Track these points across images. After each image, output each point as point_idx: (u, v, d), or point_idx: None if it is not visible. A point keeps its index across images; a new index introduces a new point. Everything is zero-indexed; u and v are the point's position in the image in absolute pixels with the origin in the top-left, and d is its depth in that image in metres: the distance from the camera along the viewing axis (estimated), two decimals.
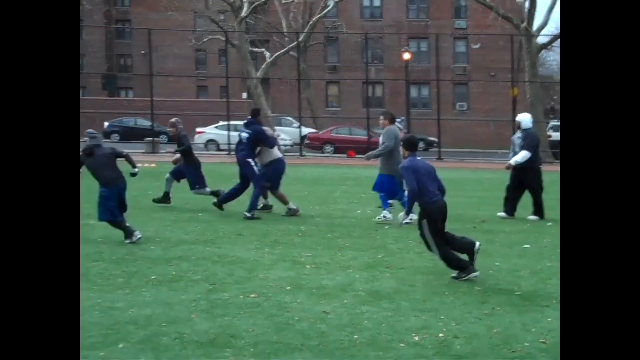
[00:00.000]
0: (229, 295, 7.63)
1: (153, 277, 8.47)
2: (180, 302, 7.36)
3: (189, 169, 14.50)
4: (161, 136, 41.01)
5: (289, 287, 8.00)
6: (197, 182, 14.38)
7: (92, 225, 11.39)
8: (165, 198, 14.60)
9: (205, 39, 48.98)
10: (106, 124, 48.67)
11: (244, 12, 36.05)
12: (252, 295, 7.62)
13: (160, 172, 23.63)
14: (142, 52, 64.61)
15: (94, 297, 7.51)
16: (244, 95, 54.93)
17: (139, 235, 10.52)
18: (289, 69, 45.24)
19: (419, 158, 8.93)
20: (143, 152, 34.73)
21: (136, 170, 11.44)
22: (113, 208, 10.58)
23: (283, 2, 42.60)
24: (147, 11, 63.69)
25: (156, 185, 18.78)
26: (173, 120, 14.80)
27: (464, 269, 8.44)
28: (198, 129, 38.79)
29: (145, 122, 45.69)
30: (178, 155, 14.89)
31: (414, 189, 8.47)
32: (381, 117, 13.20)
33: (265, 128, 13.84)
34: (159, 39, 53.49)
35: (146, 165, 25.85)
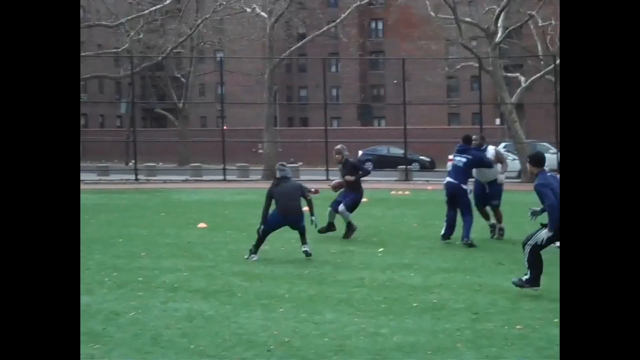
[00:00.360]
0: (494, 326, 7.45)
1: (415, 304, 8.50)
2: (443, 331, 7.30)
3: (349, 196, 14.18)
4: (413, 164, 41.44)
5: (556, 320, 7.66)
6: (349, 208, 14.04)
7: (349, 252, 11.67)
8: (330, 227, 14.16)
9: (458, 66, 48.97)
10: (360, 152, 50.10)
11: (498, 38, 35.61)
12: (517, 327, 7.39)
13: (413, 200, 23.88)
14: (395, 81, 65.98)
15: (358, 322, 7.66)
16: (497, 121, 54.11)
17: (254, 258, 11.31)
18: (545, 93, 43.92)
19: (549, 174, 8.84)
20: (396, 180, 35.24)
21: (313, 218, 11.64)
22: (266, 228, 11.45)
23: (539, 24, 41.52)
24: (401, 41, 64.97)
25: (412, 212, 18.98)
26: (339, 147, 14.41)
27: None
28: (450, 157, 38.68)
29: (397, 150, 46.48)
30: (340, 180, 14.55)
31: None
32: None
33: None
34: (412, 67, 54.27)
35: (400, 193, 26.21)
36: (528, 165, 9.14)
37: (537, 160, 8.88)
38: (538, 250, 8.60)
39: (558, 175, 9.08)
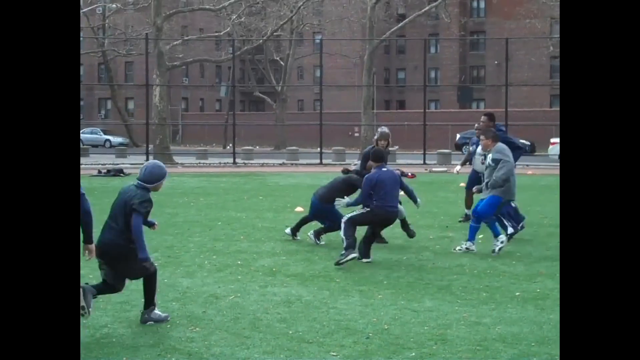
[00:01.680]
0: None
1: (517, 293, 8.25)
2: (548, 322, 7.05)
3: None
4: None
5: None
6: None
7: (450, 238, 11.46)
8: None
9: None
10: (458, 135, 49.39)
11: None
12: None
13: None
14: (496, 62, 64.63)
15: (459, 310, 7.49)
16: None
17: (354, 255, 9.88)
18: None
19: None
20: None
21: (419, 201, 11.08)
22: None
23: None
24: (503, 20, 63.52)
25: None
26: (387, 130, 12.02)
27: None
28: (552, 140, 37.66)
29: None
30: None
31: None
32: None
33: None
34: (514, 47, 53.10)
35: None
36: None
37: (377, 157, 10.16)
38: (352, 224, 9.88)
39: (398, 171, 10.63)
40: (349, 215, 10.08)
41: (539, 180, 24.49)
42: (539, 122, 45.55)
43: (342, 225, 9.94)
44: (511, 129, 39.26)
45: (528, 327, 6.87)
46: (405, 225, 11.33)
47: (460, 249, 10.76)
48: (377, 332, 6.71)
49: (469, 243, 10.79)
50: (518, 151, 12.63)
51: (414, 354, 6.07)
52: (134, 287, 7.70)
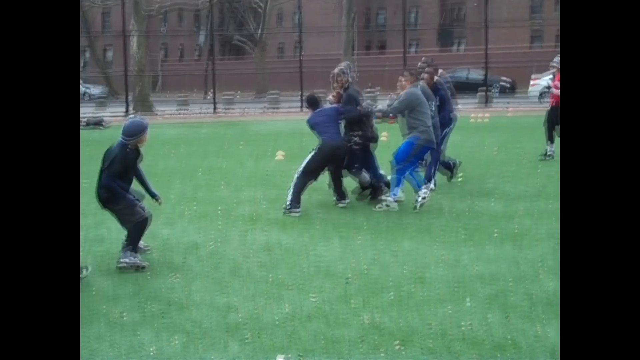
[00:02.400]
0: None
1: (495, 233, 8.33)
2: (525, 260, 7.13)
3: None
4: (495, 85, 40.48)
5: None
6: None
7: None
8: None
9: None
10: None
11: None
12: None
13: (492, 125, 23.36)
14: (475, 4, 64.18)
15: (437, 251, 7.56)
16: None
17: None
18: None
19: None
20: (476, 105, 34.55)
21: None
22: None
23: None
24: None
25: (491, 139, 18.57)
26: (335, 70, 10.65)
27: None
28: (533, 76, 37.61)
29: (477, 74, 45.45)
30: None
31: None
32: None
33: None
34: None
35: (479, 118, 25.69)
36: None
37: (311, 102, 10.41)
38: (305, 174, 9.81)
39: (379, 113, 10.47)
40: (300, 167, 9.99)
41: (518, 120, 24.53)
42: (519, 61, 45.43)
43: (294, 179, 9.83)
44: (492, 69, 39.16)
45: (505, 266, 6.95)
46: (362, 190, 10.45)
47: (380, 207, 9.65)
48: (356, 275, 6.78)
49: (393, 196, 9.68)
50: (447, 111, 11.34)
51: (392, 295, 6.14)
52: (115, 237, 7.72)
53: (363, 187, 10.32)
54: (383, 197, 9.94)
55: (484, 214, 9.40)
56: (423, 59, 11.79)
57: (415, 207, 9.54)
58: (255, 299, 6.12)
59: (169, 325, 5.54)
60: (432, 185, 10.60)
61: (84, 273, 6.86)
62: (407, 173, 9.78)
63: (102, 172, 7.35)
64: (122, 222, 7.42)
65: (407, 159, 9.69)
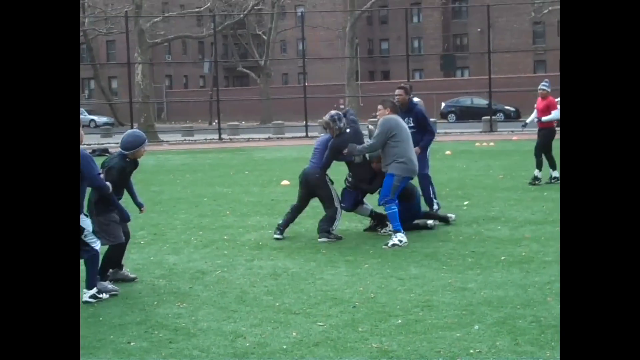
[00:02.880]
0: None
1: (502, 257, 8.30)
2: (533, 284, 7.10)
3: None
4: (498, 114, 40.55)
5: None
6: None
7: None
8: None
9: (545, 11, 47.47)
10: (443, 104, 49.38)
11: None
12: None
13: (498, 151, 23.39)
14: (479, 29, 64.58)
15: (445, 276, 7.53)
16: None
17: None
18: None
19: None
20: (480, 131, 34.61)
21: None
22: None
23: None
24: None
25: (497, 164, 18.59)
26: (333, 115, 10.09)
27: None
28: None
29: (481, 101, 45.57)
30: None
31: None
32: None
33: None
34: (497, 14, 52.97)
35: (484, 144, 25.73)
36: None
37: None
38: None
39: None
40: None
41: (524, 145, 24.53)
42: (523, 88, 45.60)
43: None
44: (495, 96, 39.34)
45: (513, 291, 6.92)
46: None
47: (393, 244, 9.00)
48: (363, 301, 6.75)
49: (399, 235, 9.08)
50: (428, 135, 10.75)
51: (400, 320, 6.11)
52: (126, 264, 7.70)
53: (372, 218, 10.17)
54: (383, 231, 9.82)
55: (490, 238, 9.38)
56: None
57: (386, 244, 9.00)
58: (263, 326, 6.09)
59: (176, 353, 5.52)
60: (435, 206, 10.72)
61: (104, 296, 6.99)
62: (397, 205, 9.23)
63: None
64: (97, 237, 7.15)
65: (391, 192, 9.17)
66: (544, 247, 8.71)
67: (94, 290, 6.95)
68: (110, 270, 7.63)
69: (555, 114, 14.44)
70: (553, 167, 14.39)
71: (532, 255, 8.37)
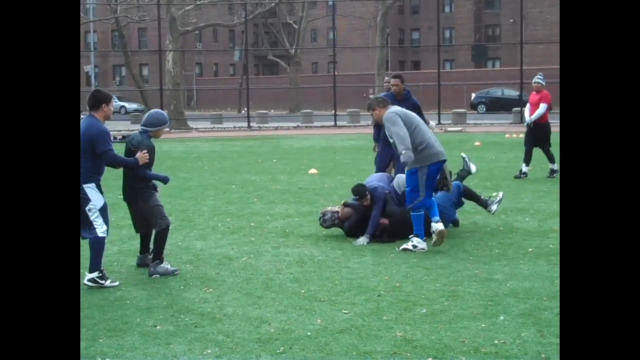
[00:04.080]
0: None
1: (530, 249, 8.25)
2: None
3: None
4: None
5: None
6: None
7: None
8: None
9: None
10: (473, 95, 49.06)
11: None
12: None
13: None
14: (511, 20, 64.00)
15: (471, 267, 7.50)
16: None
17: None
18: None
19: None
20: (510, 123, 34.36)
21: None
22: None
23: None
24: None
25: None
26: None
27: None
28: None
29: (512, 92, 45.21)
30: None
31: None
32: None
33: None
34: (530, 5, 52.45)
35: (514, 135, 25.53)
36: None
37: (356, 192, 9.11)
38: None
39: None
40: None
41: (554, 137, 24.30)
42: (556, 80, 45.16)
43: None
44: (527, 87, 38.97)
45: (540, 283, 6.88)
46: None
47: (405, 248, 8.32)
48: (388, 289, 6.75)
49: (415, 240, 8.32)
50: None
51: (425, 310, 6.10)
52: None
53: None
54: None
55: (518, 230, 9.32)
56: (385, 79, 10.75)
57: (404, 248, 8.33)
58: (288, 312, 6.12)
59: (201, 337, 5.56)
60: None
61: (108, 282, 6.97)
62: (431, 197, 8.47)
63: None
64: (150, 226, 7.49)
65: (421, 189, 8.33)
66: None
67: (95, 274, 6.93)
68: (139, 255, 7.73)
69: (542, 108, 14.19)
70: (552, 161, 14.20)
71: (559, 247, 8.30)
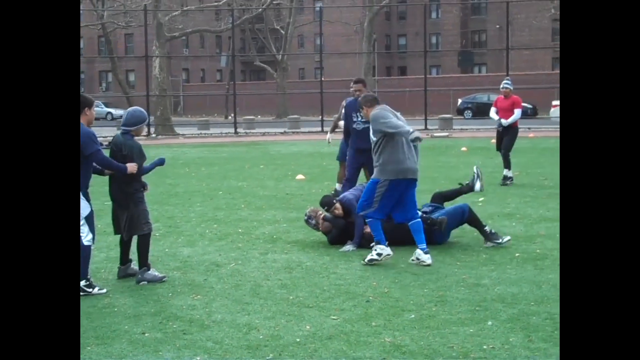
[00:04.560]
0: None
1: (517, 254, 8.28)
2: (547, 281, 7.08)
3: None
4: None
5: None
6: None
7: None
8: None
9: None
10: (460, 100, 49.22)
11: None
12: None
13: (514, 148, 23.26)
14: (497, 26, 64.26)
15: (458, 272, 7.52)
16: None
17: None
18: None
19: None
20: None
21: None
22: None
23: None
24: None
25: (513, 161, 18.47)
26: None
27: None
28: (554, 102, 37.54)
29: None
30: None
31: None
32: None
33: None
34: (515, 11, 52.73)
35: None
36: None
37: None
38: None
39: None
40: None
41: (540, 142, 24.46)
42: (541, 85, 45.36)
43: None
44: (513, 93, 39.12)
45: (527, 287, 6.90)
46: None
47: (370, 259, 7.95)
48: (377, 295, 6.75)
49: (378, 247, 7.96)
50: None
51: (413, 315, 6.12)
52: (136, 258, 7.75)
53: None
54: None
55: (505, 235, 9.34)
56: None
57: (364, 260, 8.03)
58: (276, 318, 6.11)
59: (190, 344, 5.55)
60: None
61: (95, 290, 6.92)
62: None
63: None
64: (133, 229, 7.39)
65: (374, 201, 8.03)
66: (558, 244, 8.66)
67: (82, 282, 6.86)
68: (121, 266, 7.65)
69: (517, 114, 14.30)
70: (508, 167, 14.22)
71: (546, 252, 8.35)
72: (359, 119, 9.89)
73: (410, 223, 8.10)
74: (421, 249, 7.97)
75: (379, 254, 7.93)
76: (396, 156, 7.89)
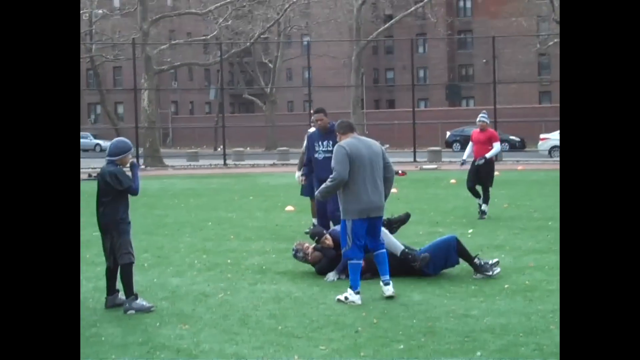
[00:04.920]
0: None
1: (506, 285, 8.28)
2: (536, 312, 7.08)
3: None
4: (503, 144, 40.46)
5: None
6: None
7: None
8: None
9: (551, 43, 47.71)
10: (448, 133, 49.47)
11: None
12: None
13: (503, 180, 23.37)
14: (484, 60, 64.86)
15: (448, 303, 7.51)
16: None
17: None
18: None
19: None
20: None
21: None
22: None
23: None
24: (490, 19, 63.96)
25: (501, 193, 18.56)
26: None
27: None
28: (542, 136, 37.79)
29: None
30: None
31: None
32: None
33: None
34: (502, 46, 53.20)
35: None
36: None
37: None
38: None
39: None
40: None
41: (529, 175, 24.55)
42: (528, 119, 45.68)
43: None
44: (501, 126, 39.36)
45: (516, 318, 6.90)
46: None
47: (339, 298, 7.70)
48: (366, 326, 6.73)
49: (349, 291, 7.66)
50: None
51: (402, 346, 6.09)
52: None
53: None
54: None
55: (495, 258, 9.34)
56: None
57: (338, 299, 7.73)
58: (265, 349, 6.08)
59: None
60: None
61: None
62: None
63: (101, 195, 7.47)
64: (117, 257, 7.39)
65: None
66: (547, 276, 8.68)
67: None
68: (108, 296, 7.59)
69: (497, 147, 14.15)
70: (487, 202, 14.01)
71: (535, 283, 8.35)
72: (321, 147, 10.15)
73: (375, 253, 7.98)
74: (383, 281, 7.82)
75: (346, 297, 7.61)
76: (357, 195, 7.61)
